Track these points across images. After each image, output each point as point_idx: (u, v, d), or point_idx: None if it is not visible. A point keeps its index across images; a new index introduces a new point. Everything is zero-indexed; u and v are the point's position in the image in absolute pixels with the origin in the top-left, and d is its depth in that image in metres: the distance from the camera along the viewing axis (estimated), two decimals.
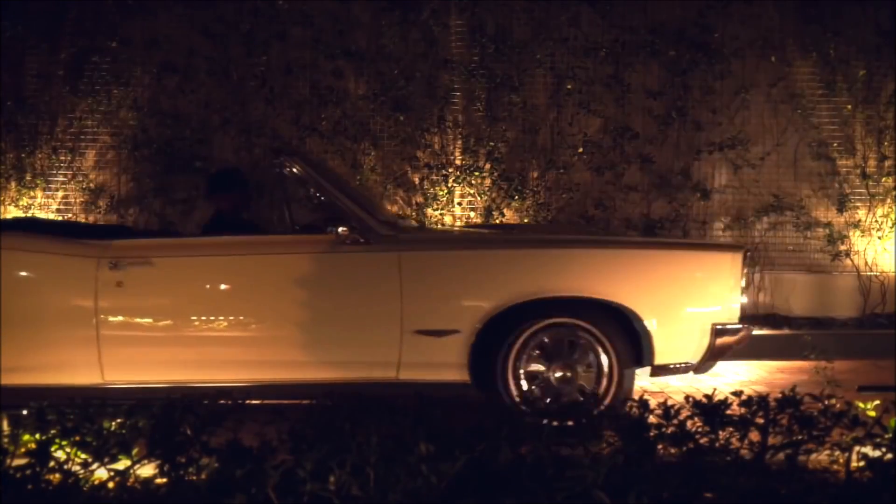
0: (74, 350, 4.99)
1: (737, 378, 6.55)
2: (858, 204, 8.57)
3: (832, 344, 6.59)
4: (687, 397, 3.37)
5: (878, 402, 3.50)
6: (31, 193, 8.44)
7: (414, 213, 8.41)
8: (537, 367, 5.02)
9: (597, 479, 2.78)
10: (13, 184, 8.43)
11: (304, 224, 5.70)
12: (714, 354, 5.11)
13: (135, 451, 3.15)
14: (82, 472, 3.08)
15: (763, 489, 2.88)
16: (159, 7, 8.51)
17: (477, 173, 8.41)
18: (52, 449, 3.11)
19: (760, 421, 3.18)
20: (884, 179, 8.52)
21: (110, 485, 3.07)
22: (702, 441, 3.10)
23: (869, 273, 8.51)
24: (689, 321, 5.09)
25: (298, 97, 8.51)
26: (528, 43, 8.51)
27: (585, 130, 8.51)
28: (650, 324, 5.00)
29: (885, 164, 8.52)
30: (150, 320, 5.07)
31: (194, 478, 3.00)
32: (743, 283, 5.18)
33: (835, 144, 8.58)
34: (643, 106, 8.55)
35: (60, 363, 5.00)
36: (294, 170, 5.27)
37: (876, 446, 3.12)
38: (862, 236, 8.54)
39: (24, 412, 3.28)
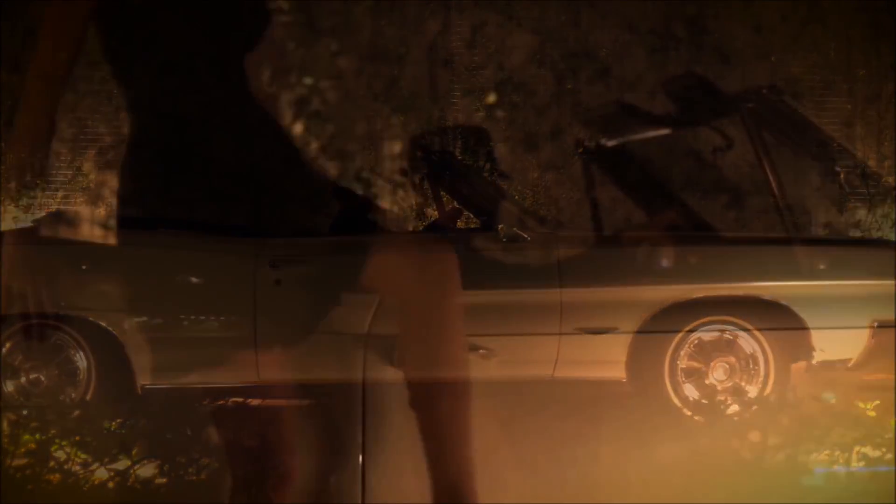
0: (232, 349, 4.92)
1: None
2: (858, 204, 8.55)
3: None
4: None
5: (878, 402, 3.50)
6: (31, 193, 8.43)
7: (414, 213, 8.40)
8: (694, 364, 5.02)
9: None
10: (13, 184, 8.42)
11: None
12: (874, 352, 5.06)
13: (134, 451, 3.14)
14: (82, 472, 3.08)
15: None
16: (159, 7, 8.50)
17: None
18: (52, 449, 3.10)
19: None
20: (884, 179, 8.51)
21: (110, 485, 3.07)
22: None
23: None
24: (849, 318, 5.05)
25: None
26: (528, 43, 8.50)
27: (586, 130, 8.50)
28: (807, 321, 4.97)
29: (885, 164, 8.51)
30: (308, 318, 4.99)
31: (194, 478, 3.00)
32: None
33: (835, 144, 8.57)
34: (643, 106, 8.53)
35: (216, 362, 4.93)
36: (450, 168, 5.26)
37: (876, 446, 3.12)
38: (862, 236, 8.52)
39: (24, 412, 3.28)
